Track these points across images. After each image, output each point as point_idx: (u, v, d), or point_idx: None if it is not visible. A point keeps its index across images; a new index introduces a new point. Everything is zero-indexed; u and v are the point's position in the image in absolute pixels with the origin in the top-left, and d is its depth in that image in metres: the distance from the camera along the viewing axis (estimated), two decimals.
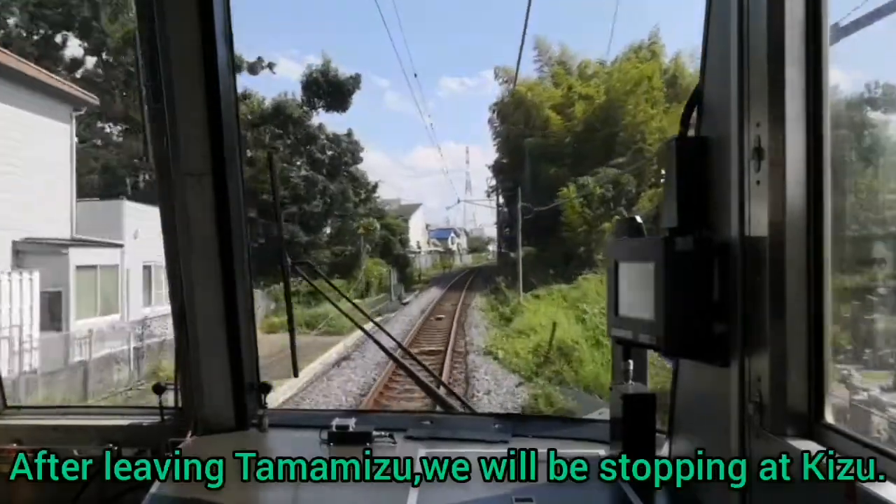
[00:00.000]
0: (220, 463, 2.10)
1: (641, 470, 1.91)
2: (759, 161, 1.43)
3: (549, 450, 2.18)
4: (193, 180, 2.32)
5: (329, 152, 34.58)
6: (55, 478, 2.53)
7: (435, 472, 2.03)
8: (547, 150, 35.87)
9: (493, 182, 47.39)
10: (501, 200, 45.77)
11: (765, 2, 1.40)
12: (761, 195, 1.43)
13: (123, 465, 2.49)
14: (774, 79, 1.39)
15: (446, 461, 2.10)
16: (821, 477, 1.23)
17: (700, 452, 1.78)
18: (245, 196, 2.49)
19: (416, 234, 60.15)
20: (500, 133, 43.74)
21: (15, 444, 2.57)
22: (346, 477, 2.07)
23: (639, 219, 1.89)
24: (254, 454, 2.21)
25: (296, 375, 2.85)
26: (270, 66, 33.44)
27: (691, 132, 1.76)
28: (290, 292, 2.77)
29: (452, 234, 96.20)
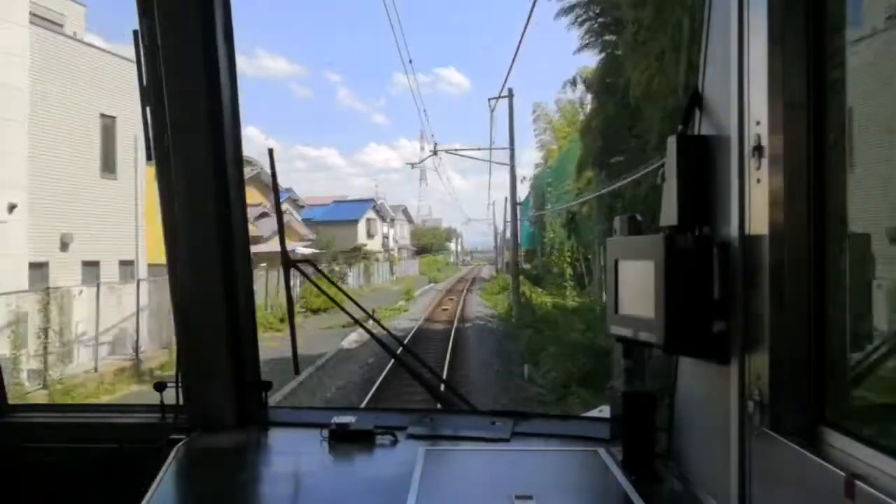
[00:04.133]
0: (220, 461, 2.11)
1: (641, 468, 1.91)
2: (759, 159, 1.43)
3: (550, 448, 2.18)
4: (194, 179, 2.32)
5: None
6: (56, 477, 2.53)
7: (435, 470, 2.03)
8: None
9: None
10: None
11: (764, 1, 1.40)
12: (761, 193, 1.43)
13: (124, 464, 2.49)
14: (774, 77, 1.39)
15: (447, 459, 2.11)
16: (820, 476, 1.23)
17: (700, 450, 1.79)
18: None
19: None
20: None
21: (15, 443, 2.58)
22: (346, 475, 2.07)
23: (638, 217, 1.89)
24: (254, 452, 2.22)
25: (297, 373, 2.85)
26: None
27: (692, 130, 1.76)
28: (291, 291, 2.78)
29: (372, 215, 49.60)
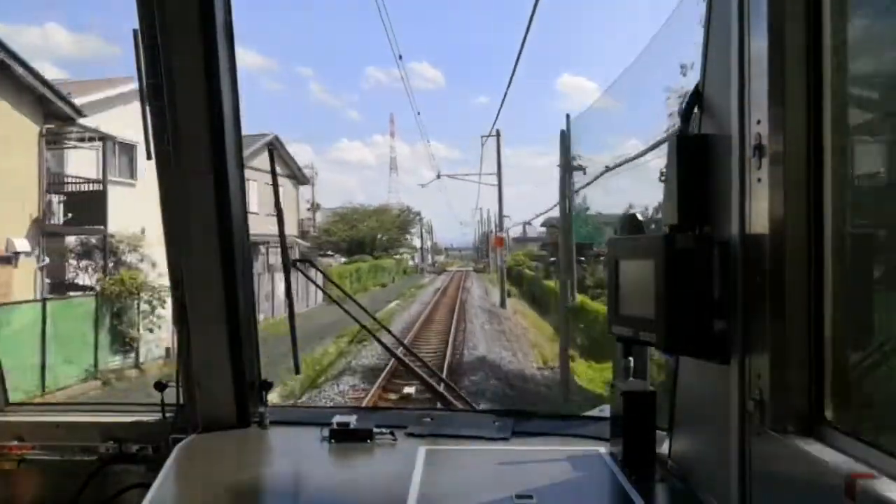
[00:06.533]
0: (220, 461, 2.11)
1: (642, 467, 1.91)
2: (759, 158, 1.43)
3: (550, 447, 2.18)
4: (194, 179, 2.32)
5: None
6: (57, 475, 2.54)
7: (435, 469, 2.03)
8: None
9: None
10: None
11: (765, 0, 1.40)
12: (762, 192, 1.42)
13: (125, 463, 2.50)
14: (775, 76, 1.39)
15: (447, 459, 2.11)
16: (821, 475, 1.23)
17: (700, 450, 1.79)
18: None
19: None
20: None
21: (16, 441, 2.58)
22: (346, 474, 2.07)
23: (639, 216, 1.89)
24: (254, 452, 2.22)
25: (297, 373, 2.85)
26: None
27: (692, 129, 1.76)
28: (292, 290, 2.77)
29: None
